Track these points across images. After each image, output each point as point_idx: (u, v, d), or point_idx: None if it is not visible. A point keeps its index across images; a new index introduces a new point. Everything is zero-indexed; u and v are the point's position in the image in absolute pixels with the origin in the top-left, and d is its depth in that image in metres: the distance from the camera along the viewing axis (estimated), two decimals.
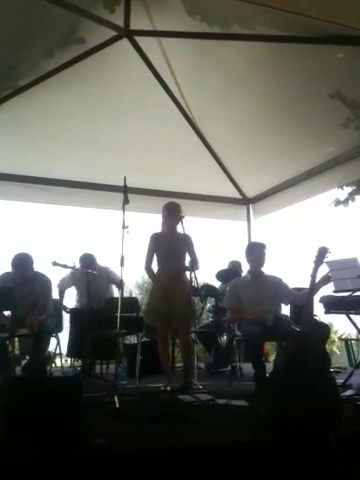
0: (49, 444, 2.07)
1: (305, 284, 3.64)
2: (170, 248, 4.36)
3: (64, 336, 5.37)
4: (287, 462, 2.19)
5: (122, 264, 3.60)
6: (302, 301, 3.65)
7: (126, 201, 3.79)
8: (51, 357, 5.19)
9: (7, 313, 4.47)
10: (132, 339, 6.23)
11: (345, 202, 9.48)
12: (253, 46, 4.11)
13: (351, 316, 4.35)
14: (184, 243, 4.34)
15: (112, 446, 2.14)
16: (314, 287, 3.54)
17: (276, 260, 5.52)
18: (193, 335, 4.91)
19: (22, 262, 4.44)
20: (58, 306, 5.25)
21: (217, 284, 6.25)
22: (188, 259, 4.36)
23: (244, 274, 4.85)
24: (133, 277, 12.88)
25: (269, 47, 4.06)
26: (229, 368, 5.15)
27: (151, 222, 5.24)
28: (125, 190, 3.82)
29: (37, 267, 4.59)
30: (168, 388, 4.16)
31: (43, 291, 4.56)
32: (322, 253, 3.54)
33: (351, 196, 9.45)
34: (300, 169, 5.79)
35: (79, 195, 6.16)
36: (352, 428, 2.49)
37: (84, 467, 1.97)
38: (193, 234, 4.44)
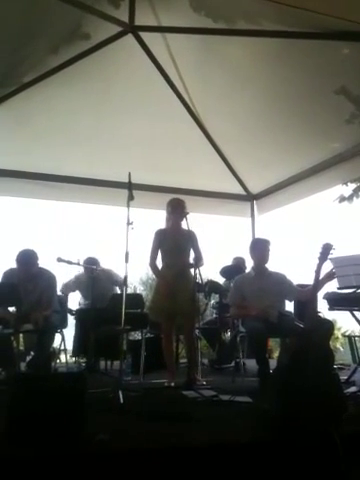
0: (53, 440, 2.08)
1: (309, 280, 3.65)
2: (175, 244, 4.37)
3: (69, 336, 5.39)
4: (290, 461, 2.19)
5: (127, 260, 3.60)
6: (306, 297, 3.66)
7: (131, 197, 3.77)
8: (56, 353, 5.20)
9: (12, 309, 4.49)
10: (136, 335, 6.24)
11: (349, 198, 9.48)
12: (258, 42, 4.09)
13: (355, 313, 4.34)
14: (188, 239, 4.34)
15: (114, 444, 2.14)
16: (318, 284, 3.54)
17: (280, 256, 5.51)
18: (197, 331, 4.92)
19: (26, 258, 4.45)
20: (63, 302, 5.26)
21: (221, 280, 6.25)
22: (192, 255, 4.37)
23: (248, 270, 4.84)
24: (137, 273, 12.92)
25: (274, 43, 4.05)
26: (233, 364, 5.16)
27: (155, 218, 5.25)
28: (130, 186, 3.80)
29: (42, 263, 4.60)
30: (172, 384, 4.17)
31: (48, 287, 4.56)
32: (326, 249, 3.53)
33: (355, 192, 9.45)
34: (305, 165, 5.77)
35: (83, 191, 6.16)
36: (352, 428, 2.47)
37: (85, 464, 1.97)
38: (197, 230, 4.45)
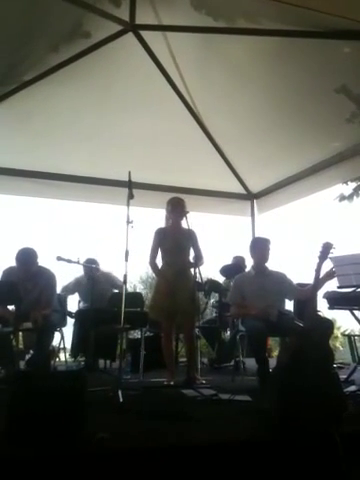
0: (52, 439, 2.08)
1: (309, 280, 3.65)
2: (175, 243, 4.36)
3: (68, 335, 5.40)
4: (290, 460, 2.19)
5: (126, 259, 3.60)
6: (306, 297, 3.66)
7: (131, 196, 3.77)
8: (55, 352, 5.20)
9: (11, 307, 4.49)
10: (136, 334, 6.24)
11: (350, 197, 9.48)
12: (259, 40, 4.08)
13: (355, 312, 4.34)
14: (188, 238, 4.34)
15: (113, 443, 2.14)
16: (318, 283, 3.54)
17: (280, 255, 5.51)
18: (197, 330, 4.92)
19: (26, 257, 4.44)
20: (62, 301, 5.26)
21: (221, 279, 6.25)
22: (192, 254, 4.36)
23: (248, 269, 4.84)
24: (137, 272, 12.92)
25: (275, 41, 4.04)
26: (232, 363, 5.16)
27: (155, 217, 5.24)
28: (130, 185, 3.80)
29: (41, 262, 4.59)
30: (171, 383, 4.17)
31: (47, 286, 4.55)
32: (326, 249, 3.54)
33: (356, 191, 9.45)
34: (305, 164, 5.77)
35: (83, 190, 6.15)
36: (352, 427, 2.47)
37: (85, 464, 1.97)
38: (197, 229, 4.45)
